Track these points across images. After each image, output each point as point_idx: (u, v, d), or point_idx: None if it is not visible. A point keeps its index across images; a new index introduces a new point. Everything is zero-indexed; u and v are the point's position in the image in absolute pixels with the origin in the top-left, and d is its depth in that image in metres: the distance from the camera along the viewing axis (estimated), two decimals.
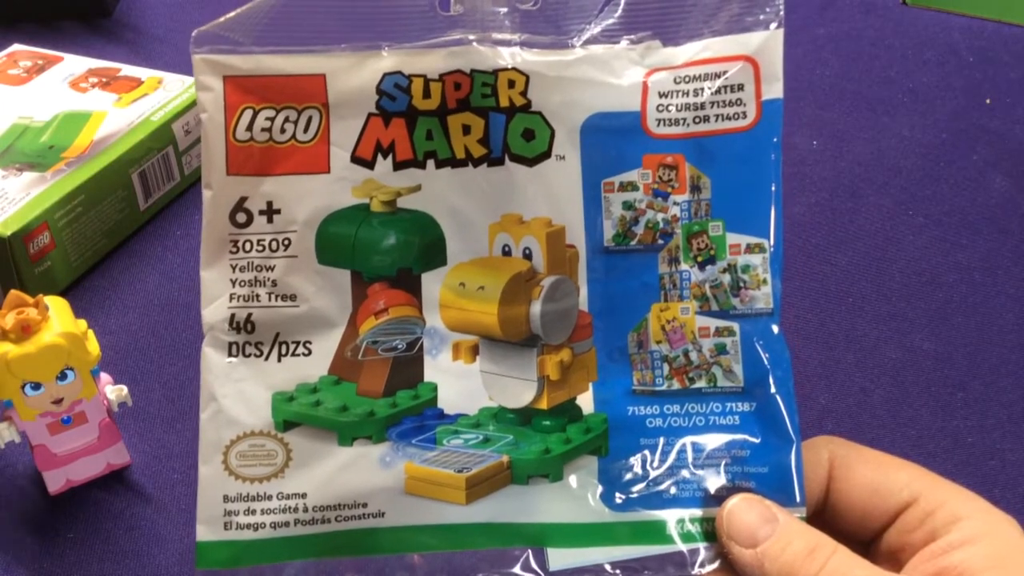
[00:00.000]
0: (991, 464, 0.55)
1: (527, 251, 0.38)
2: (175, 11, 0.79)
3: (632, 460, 0.38)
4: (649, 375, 0.38)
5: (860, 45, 0.84)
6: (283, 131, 0.38)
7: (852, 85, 0.80)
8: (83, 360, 0.49)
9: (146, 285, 0.65)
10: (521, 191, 0.38)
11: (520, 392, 0.38)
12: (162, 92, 0.72)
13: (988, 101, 0.78)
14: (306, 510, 0.37)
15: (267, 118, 0.38)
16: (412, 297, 0.38)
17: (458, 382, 0.38)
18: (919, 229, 0.69)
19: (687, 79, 0.37)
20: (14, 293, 0.48)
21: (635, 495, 0.37)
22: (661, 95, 0.37)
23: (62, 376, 0.49)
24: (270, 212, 0.38)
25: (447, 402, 0.38)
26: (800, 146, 0.75)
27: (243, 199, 0.38)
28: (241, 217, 0.38)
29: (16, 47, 0.78)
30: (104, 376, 0.53)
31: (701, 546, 0.37)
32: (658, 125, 0.38)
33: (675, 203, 0.38)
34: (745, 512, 0.37)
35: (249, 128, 0.38)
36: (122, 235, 0.69)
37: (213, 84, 0.38)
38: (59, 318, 0.48)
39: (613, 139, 0.38)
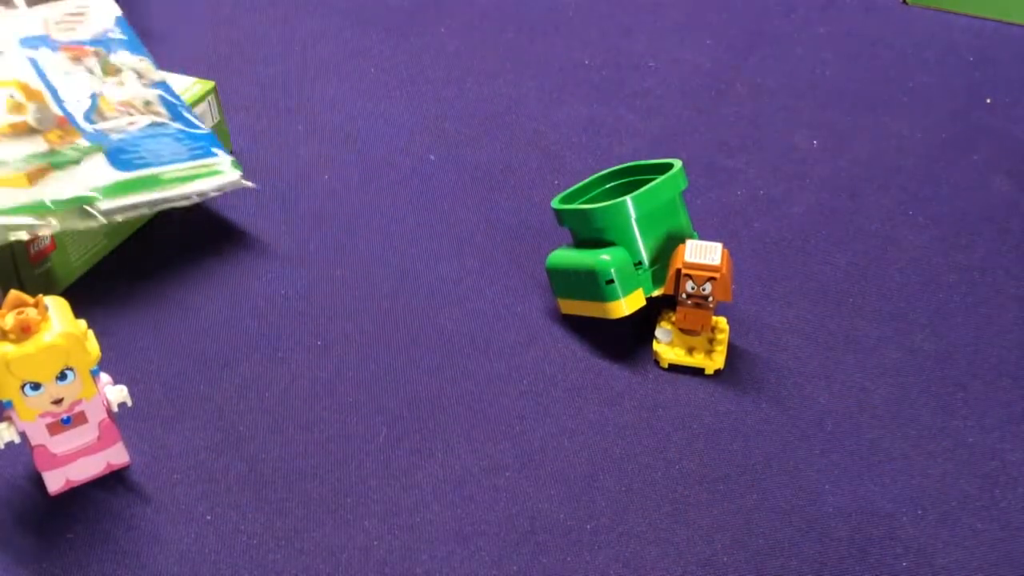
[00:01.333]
0: (991, 464, 0.55)
1: (11, 94, 0.65)
2: (175, 11, 0.80)
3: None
4: (114, 128, 0.66)
5: (860, 45, 0.84)
6: None
7: (852, 85, 0.80)
8: (83, 360, 0.49)
9: (146, 285, 0.65)
10: None
11: (38, 148, 0.63)
12: None
13: (988, 100, 0.78)
14: None
15: None
16: None
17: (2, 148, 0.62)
18: (919, 229, 0.69)
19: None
20: (14, 293, 0.48)
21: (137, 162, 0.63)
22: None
23: (62, 376, 0.49)
24: None
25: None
26: (800, 146, 0.75)
27: None
28: None
29: None
30: (104, 376, 0.53)
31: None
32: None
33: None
34: None
35: None
36: (122, 235, 0.69)
37: None
38: (59, 318, 0.48)
39: None
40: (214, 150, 0.68)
